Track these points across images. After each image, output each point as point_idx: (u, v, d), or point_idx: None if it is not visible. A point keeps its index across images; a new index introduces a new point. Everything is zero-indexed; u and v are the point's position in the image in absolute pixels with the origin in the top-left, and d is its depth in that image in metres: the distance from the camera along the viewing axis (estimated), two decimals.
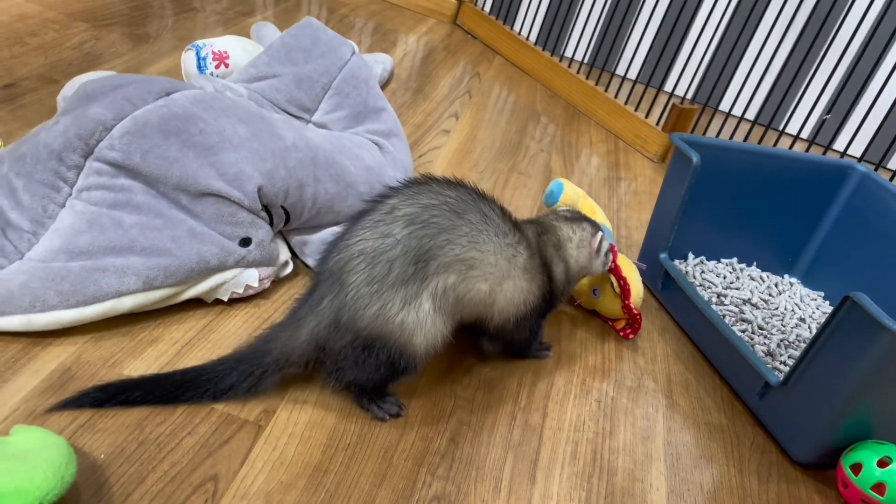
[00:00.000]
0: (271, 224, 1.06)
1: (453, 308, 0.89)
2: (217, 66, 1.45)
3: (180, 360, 0.91)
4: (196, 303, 1.00)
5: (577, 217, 1.09)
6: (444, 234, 0.87)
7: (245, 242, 1.01)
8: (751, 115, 2.10)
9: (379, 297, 0.84)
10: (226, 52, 1.46)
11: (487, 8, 2.46)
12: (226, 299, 1.01)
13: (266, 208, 1.05)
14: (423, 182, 0.92)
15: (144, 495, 0.75)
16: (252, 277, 1.02)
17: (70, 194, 0.95)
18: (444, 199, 0.89)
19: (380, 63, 1.87)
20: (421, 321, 0.86)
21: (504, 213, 0.95)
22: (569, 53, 2.37)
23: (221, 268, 0.98)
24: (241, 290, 1.01)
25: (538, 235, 1.02)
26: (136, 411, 0.83)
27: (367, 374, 0.88)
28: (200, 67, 1.45)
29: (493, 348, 1.06)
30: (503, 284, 0.93)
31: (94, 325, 0.91)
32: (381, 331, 0.85)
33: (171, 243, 0.95)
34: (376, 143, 1.33)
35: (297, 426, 0.87)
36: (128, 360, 0.89)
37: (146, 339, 0.93)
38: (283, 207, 1.06)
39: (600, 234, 1.07)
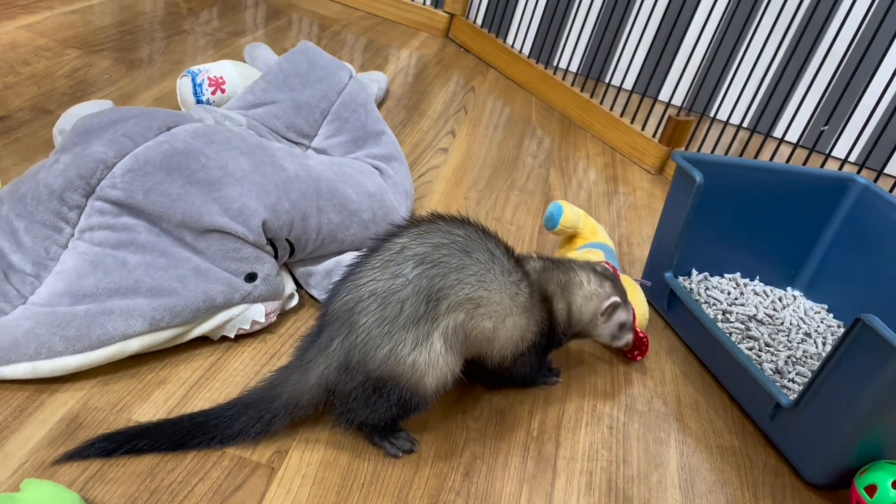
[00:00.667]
0: (276, 257, 1.05)
1: (462, 346, 0.89)
2: (213, 93, 1.44)
3: (189, 401, 0.90)
4: (202, 340, 0.99)
5: (604, 274, 1.05)
6: (454, 273, 0.86)
7: (251, 278, 1.00)
8: (748, 122, 2.10)
9: (390, 338, 0.83)
10: (222, 78, 1.45)
11: (480, 21, 2.46)
12: (232, 336, 1.00)
13: (271, 242, 1.03)
14: (431, 221, 0.91)
15: None
16: (258, 313, 1.00)
17: (72, 235, 0.94)
18: (454, 238, 0.89)
19: (375, 81, 1.86)
20: (433, 361, 0.85)
21: (508, 251, 0.94)
22: (563, 65, 2.37)
23: (228, 305, 0.97)
24: (247, 326, 1.00)
25: (543, 270, 1.01)
26: (146, 459, 0.82)
27: (378, 415, 0.87)
28: (196, 94, 1.43)
29: (497, 384, 1.06)
30: (505, 322, 0.92)
31: (100, 368, 0.90)
32: (392, 372, 0.84)
33: (176, 282, 0.93)
34: (377, 168, 1.32)
35: (310, 467, 0.86)
36: (136, 403, 0.88)
37: (154, 381, 0.91)
38: (287, 240, 1.05)
39: (615, 300, 1.03)
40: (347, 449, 0.90)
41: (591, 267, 1.06)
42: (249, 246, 0.99)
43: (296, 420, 0.88)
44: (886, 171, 2.01)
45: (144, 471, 0.80)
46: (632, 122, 2.00)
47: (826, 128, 1.81)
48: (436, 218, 0.92)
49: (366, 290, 0.85)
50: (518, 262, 0.96)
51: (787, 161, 1.90)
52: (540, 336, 0.99)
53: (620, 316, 1.05)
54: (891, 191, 1.51)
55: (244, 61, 1.78)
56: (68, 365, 0.86)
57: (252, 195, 1.00)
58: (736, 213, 1.38)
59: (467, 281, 0.87)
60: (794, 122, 1.92)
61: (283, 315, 1.08)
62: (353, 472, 0.87)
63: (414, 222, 0.92)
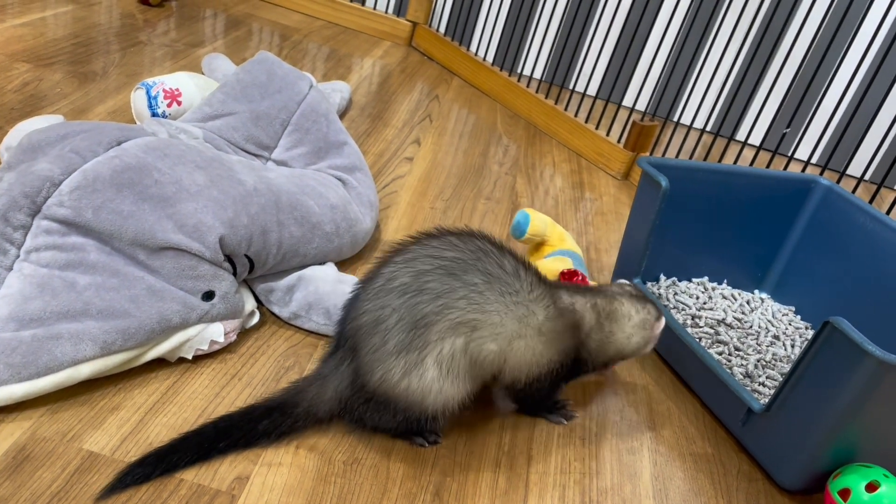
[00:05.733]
0: (235, 274, 1.01)
1: (470, 370, 0.89)
2: (169, 105, 1.40)
3: (144, 427, 0.86)
4: (159, 363, 0.95)
5: (642, 296, 1.05)
6: (439, 299, 0.86)
7: (208, 296, 0.96)
8: (711, 126, 2.11)
9: (381, 364, 0.86)
10: (177, 90, 1.41)
11: (443, 29, 2.45)
12: (190, 357, 0.96)
13: (229, 258, 1.00)
14: (425, 243, 0.91)
15: None
16: (217, 332, 0.97)
17: (18, 256, 0.90)
18: (440, 263, 0.88)
19: (338, 91, 1.83)
20: (426, 386, 0.87)
21: (520, 270, 0.92)
22: (527, 72, 2.37)
23: (184, 325, 0.93)
24: (205, 347, 0.96)
25: (587, 303, 0.99)
26: (98, 490, 0.78)
27: (386, 427, 0.91)
28: (151, 107, 1.39)
29: (505, 405, 1.04)
30: (513, 344, 0.91)
31: (49, 396, 0.85)
32: (388, 394, 0.87)
33: (129, 303, 0.89)
34: (340, 179, 1.29)
35: (272, 493, 0.83)
36: (88, 431, 0.84)
37: (107, 408, 0.87)
38: (246, 256, 1.02)
39: (664, 319, 1.05)
40: (312, 472, 0.87)
41: (628, 293, 1.04)
42: (206, 263, 0.96)
43: (316, 425, 0.92)
44: (848, 172, 2.04)
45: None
46: (597, 128, 2.00)
47: (788, 130, 1.83)
48: (430, 238, 0.92)
49: (362, 322, 0.88)
50: (541, 282, 0.94)
51: (751, 163, 1.91)
52: (560, 365, 0.96)
53: (661, 326, 1.06)
54: (853, 191, 1.52)
55: (202, 73, 1.75)
56: (14, 394, 0.82)
57: (208, 210, 0.97)
58: (702, 217, 1.38)
59: (455, 305, 0.87)
60: (757, 125, 1.93)
61: (244, 333, 1.04)
62: (317, 496, 0.84)
63: (410, 245, 0.91)
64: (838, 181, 1.54)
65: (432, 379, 0.86)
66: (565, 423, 1.04)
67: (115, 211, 0.92)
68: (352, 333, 0.89)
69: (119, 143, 0.99)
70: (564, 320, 0.95)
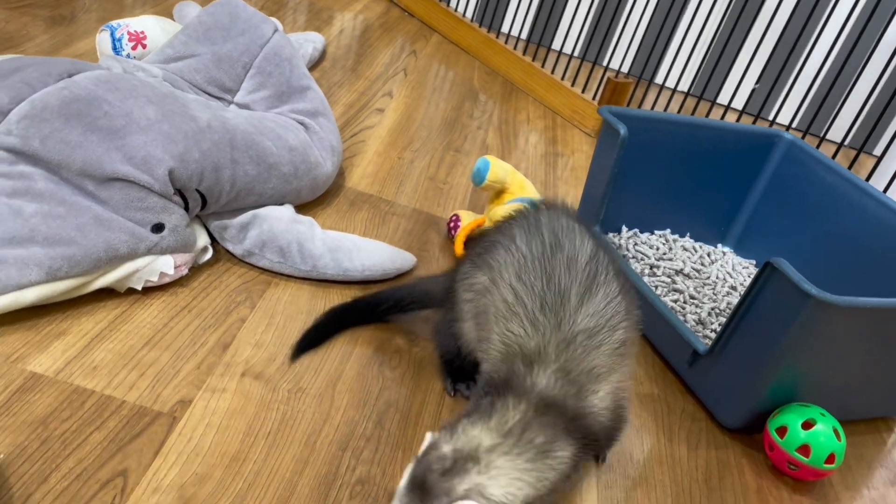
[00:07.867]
0: (187, 209, 1.02)
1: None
2: (134, 48, 1.40)
3: (90, 352, 0.87)
4: (108, 293, 0.96)
5: (461, 464, 0.71)
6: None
7: (158, 228, 0.97)
8: (685, 86, 2.11)
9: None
10: (143, 33, 1.41)
11: None
12: (139, 288, 0.97)
13: (180, 192, 1.01)
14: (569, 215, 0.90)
15: (47, 494, 0.71)
16: (167, 265, 0.98)
17: None
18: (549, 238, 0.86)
19: (310, 42, 1.82)
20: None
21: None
22: (506, 29, 2.35)
23: (132, 255, 0.94)
24: (155, 279, 0.97)
25: (546, 393, 0.77)
26: (40, 407, 0.79)
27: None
28: (116, 49, 1.39)
29: None
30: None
31: None
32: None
33: (75, 232, 0.90)
34: (301, 123, 1.29)
35: (214, 416, 0.84)
36: (32, 354, 0.85)
37: (53, 333, 0.89)
38: (198, 191, 1.03)
39: None
40: (255, 399, 0.88)
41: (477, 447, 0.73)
42: (155, 195, 0.96)
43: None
44: (819, 133, 2.04)
45: (36, 420, 0.78)
46: (573, 86, 1.99)
47: (757, 86, 1.82)
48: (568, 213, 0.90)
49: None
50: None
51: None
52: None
53: None
54: (818, 145, 1.52)
55: (174, 20, 1.73)
56: None
57: (157, 144, 0.97)
58: (666, 169, 1.39)
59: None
60: (729, 84, 1.93)
61: (197, 269, 1.05)
62: (259, 420, 0.86)
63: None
64: (812, 142, 1.54)
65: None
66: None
67: (63, 140, 0.92)
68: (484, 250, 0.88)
69: (70, 76, 0.99)
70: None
